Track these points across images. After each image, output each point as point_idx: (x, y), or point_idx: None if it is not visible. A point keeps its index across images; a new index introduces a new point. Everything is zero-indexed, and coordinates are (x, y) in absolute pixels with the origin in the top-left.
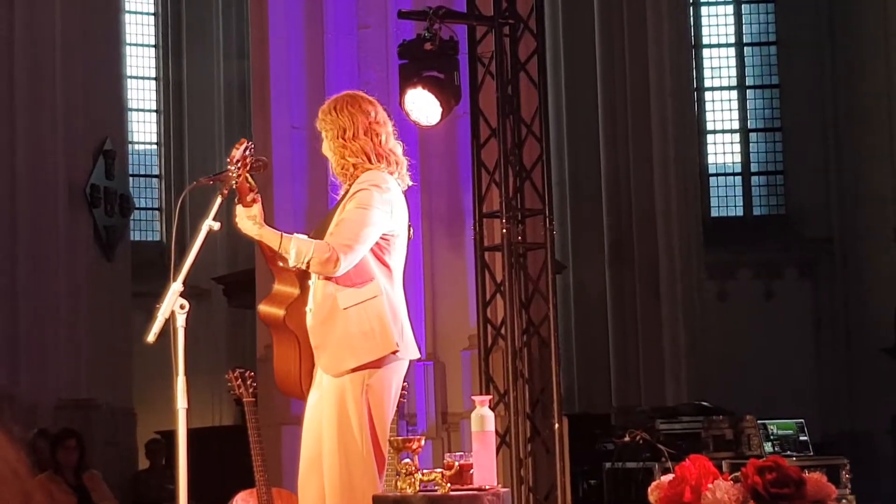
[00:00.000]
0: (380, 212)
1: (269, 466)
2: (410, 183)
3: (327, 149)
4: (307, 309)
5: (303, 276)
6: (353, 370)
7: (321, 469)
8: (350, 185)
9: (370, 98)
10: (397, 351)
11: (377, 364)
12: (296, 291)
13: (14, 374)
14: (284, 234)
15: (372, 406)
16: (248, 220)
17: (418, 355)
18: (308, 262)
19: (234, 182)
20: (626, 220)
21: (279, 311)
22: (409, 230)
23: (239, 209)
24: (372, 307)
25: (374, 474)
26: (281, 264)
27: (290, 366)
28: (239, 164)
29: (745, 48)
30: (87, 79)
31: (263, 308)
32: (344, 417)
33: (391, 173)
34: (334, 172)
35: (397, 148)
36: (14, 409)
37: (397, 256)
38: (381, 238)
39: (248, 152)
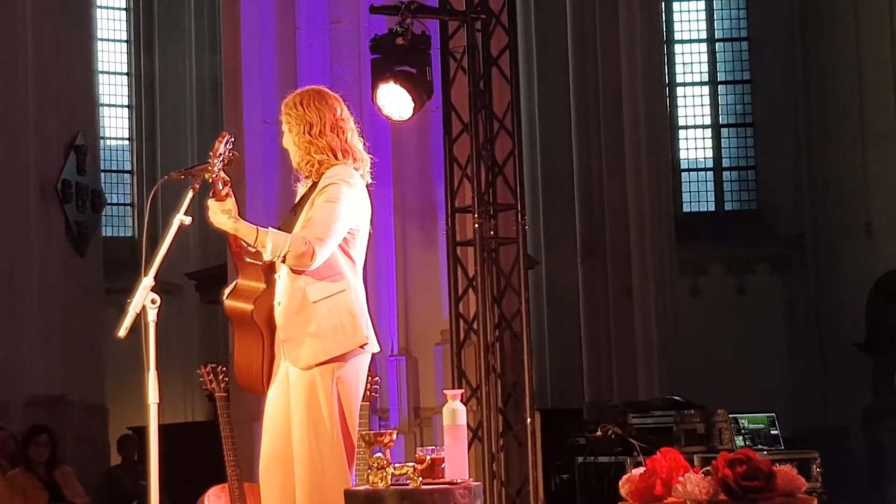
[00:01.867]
0: (348, 206)
1: (240, 461)
2: (370, 180)
3: (290, 142)
4: (276, 303)
5: (269, 271)
6: (323, 363)
7: (284, 463)
8: (315, 180)
9: (335, 94)
10: (366, 344)
11: (346, 357)
12: (262, 286)
13: None
14: (260, 228)
15: (342, 398)
16: (223, 213)
17: (379, 349)
18: (284, 256)
19: (213, 175)
20: (599, 214)
21: (247, 306)
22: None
23: (213, 203)
24: (341, 301)
25: (344, 466)
26: (248, 259)
27: (253, 361)
28: (221, 158)
29: (716, 44)
30: (58, 74)
31: (230, 303)
32: (315, 410)
33: (356, 169)
34: (297, 166)
35: (360, 145)
36: None
37: (360, 250)
38: (346, 232)
39: (229, 146)
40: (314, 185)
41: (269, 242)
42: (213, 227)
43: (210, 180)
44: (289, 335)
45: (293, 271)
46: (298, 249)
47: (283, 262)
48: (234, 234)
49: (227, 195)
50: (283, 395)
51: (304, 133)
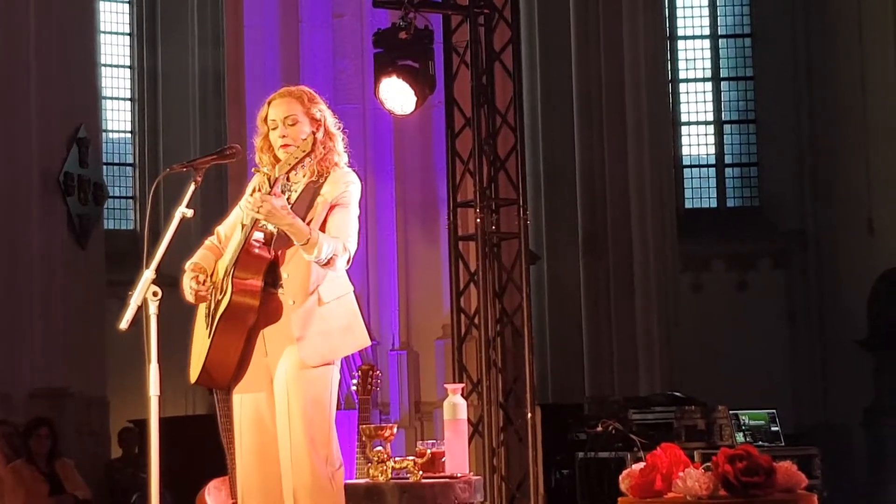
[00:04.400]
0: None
1: None
2: None
3: (301, 135)
4: (289, 302)
5: (271, 268)
6: (329, 363)
7: (268, 460)
8: (313, 179)
9: None
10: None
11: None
12: (260, 282)
13: None
14: (311, 229)
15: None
16: (283, 209)
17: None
18: (330, 259)
19: (290, 170)
20: (601, 210)
21: (253, 302)
22: None
23: (270, 198)
24: (347, 302)
25: (341, 460)
26: (257, 251)
27: (230, 356)
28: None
29: (719, 40)
30: (61, 67)
31: (238, 299)
32: (316, 406)
33: None
34: (309, 158)
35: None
36: None
37: None
38: None
39: None
40: (311, 183)
41: (324, 244)
42: (266, 220)
43: (280, 174)
44: (302, 333)
45: (307, 271)
46: (341, 252)
47: (327, 265)
48: (253, 228)
49: (278, 193)
50: (266, 393)
51: (335, 129)
